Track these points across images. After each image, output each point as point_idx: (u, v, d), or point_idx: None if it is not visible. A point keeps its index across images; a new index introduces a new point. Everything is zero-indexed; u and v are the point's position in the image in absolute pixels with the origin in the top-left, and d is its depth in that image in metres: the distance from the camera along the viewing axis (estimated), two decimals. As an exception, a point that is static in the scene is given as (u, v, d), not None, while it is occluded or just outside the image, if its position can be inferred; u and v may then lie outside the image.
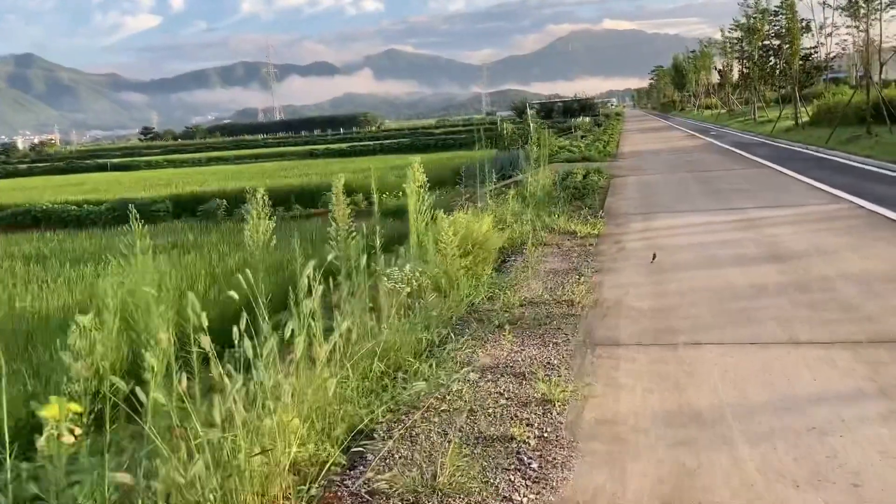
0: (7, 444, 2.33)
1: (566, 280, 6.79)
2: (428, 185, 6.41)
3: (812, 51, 36.42)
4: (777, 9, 35.78)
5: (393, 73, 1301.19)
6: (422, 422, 3.72)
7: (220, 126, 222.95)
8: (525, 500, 3.01)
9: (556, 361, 4.62)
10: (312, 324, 3.66)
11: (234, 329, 2.89)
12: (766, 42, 37.76)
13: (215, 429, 2.57)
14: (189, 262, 9.38)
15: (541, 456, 3.37)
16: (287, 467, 2.87)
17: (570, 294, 6.16)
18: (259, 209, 4.22)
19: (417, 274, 5.66)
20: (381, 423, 3.70)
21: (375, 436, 3.57)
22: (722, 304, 5.70)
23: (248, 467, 2.61)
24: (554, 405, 3.91)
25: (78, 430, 2.31)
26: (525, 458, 3.33)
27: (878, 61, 21.55)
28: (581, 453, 3.40)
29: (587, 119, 55.87)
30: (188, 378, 2.68)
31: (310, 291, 3.63)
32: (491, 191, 13.00)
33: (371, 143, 54.22)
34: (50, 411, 2.27)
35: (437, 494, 3.01)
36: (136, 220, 3.33)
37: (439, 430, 3.65)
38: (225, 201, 17.50)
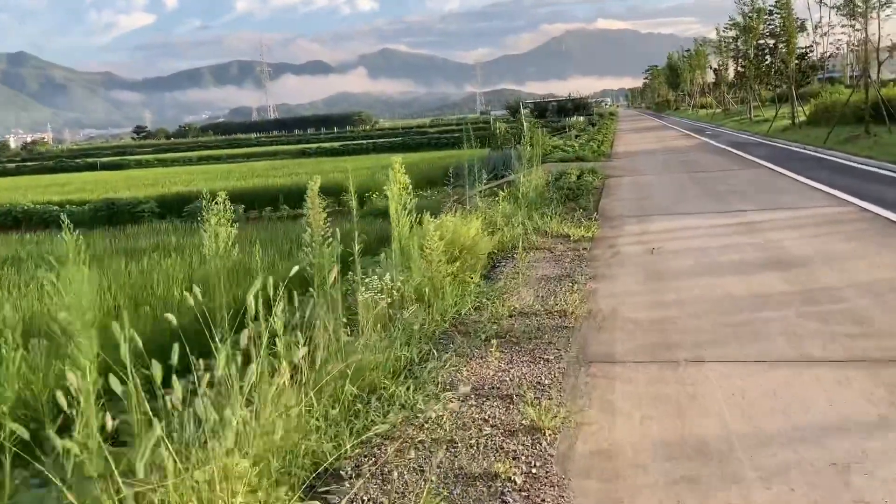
0: None
1: (559, 288, 6.41)
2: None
3: (807, 50, 36.20)
4: (772, 7, 35.52)
5: (387, 72, 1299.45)
6: (396, 456, 3.33)
7: (214, 125, 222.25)
8: (508, 553, 2.62)
9: (546, 381, 4.24)
10: (279, 343, 3.28)
11: (189, 352, 2.49)
12: (762, 41, 37.47)
13: (141, 480, 2.17)
14: (168, 266, 8.99)
15: (527, 497, 2.98)
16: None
17: (563, 304, 5.78)
18: (219, 214, 3.83)
19: (398, 283, 5.27)
20: (351, 457, 3.30)
21: (343, 473, 3.18)
22: (724, 315, 5.32)
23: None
24: (544, 434, 3.53)
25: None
26: (510, 501, 2.95)
27: (877, 60, 21.22)
28: (573, 493, 3.01)
29: (581, 118, 55.60)
30: (113, 417, 2.28)
31: (271, 308, 3.24)
32: (481, 192, 12.61)
33: (364, 142, 53.80)
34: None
35: (408, 547, 2.63)
36: (68, 227, 2.89)
37: (415, 466, 3.26)
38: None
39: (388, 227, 8.67)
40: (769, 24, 36.33)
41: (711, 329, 5.03)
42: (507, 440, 3.49)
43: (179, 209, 17.52)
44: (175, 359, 2.44)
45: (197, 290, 2.99)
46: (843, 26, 36.83)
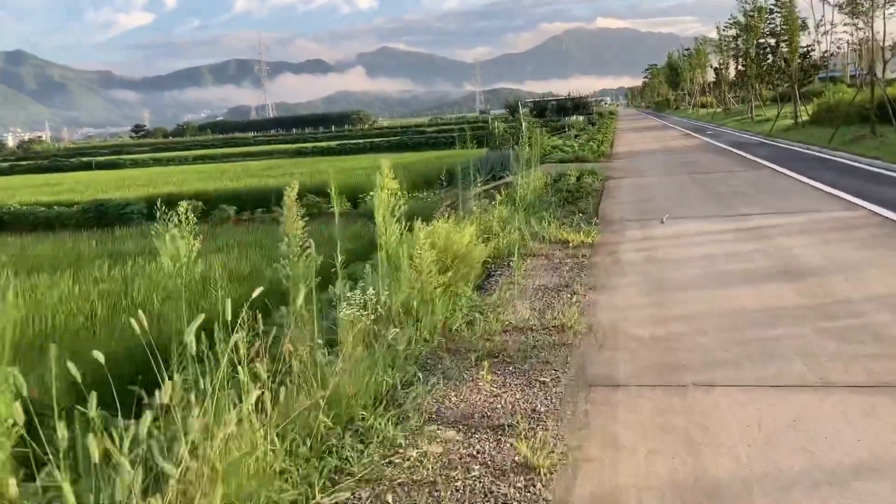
0: None
1: (556, 299, 6.03)
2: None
3: (808, 49, 35.78)
4: (773, 6, 35.12)
5: (386, 71, 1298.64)
6: (371, 502, 2.95)
7: (212, 124, 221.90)
8: None
9: (542, 408, 3.86)
10: (241, 373, 2.90)
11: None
12: (763, 40, 37.08)
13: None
14: (153, 270, 8.60)
15: (519, 555, 2.61)
16: None
17: (561, 317, 5.40)
18: (183, 224, 3.46)
19: (383, 297, 4.89)
20: (319, 504, 2.92)
21: (309, 523, 2.80)
22: (734, 332, 4.94)
23: None
24: (539, 473, 3.15)
25: None
26: (498, 561, 2.57)
27: (882, 59, 20.83)
28: (571, 550, 2.64)
29: (581, 118, 55.24)
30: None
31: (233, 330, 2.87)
32: (478, 195, 12.23)
33: (361, 141, 53.40)
34: None
35: None
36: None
37: (392, 514, 2.88)
38: (201, 203, 16.72)
39: (381, 232, 8.26)
40: (770, 23, 35.96)
41: (721, 348, 4.65)
42: (497, 481, 3.11)
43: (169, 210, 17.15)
44: (93, 410, 2.06)
45: (142, 316, 2.61)
46: (845, 24, 36.57)
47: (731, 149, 22.02)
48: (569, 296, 6.12)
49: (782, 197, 11.17)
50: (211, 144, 79.91)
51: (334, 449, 3.26)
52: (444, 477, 3.13)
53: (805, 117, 27.92)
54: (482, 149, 26.65)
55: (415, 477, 3.13)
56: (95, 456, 1.95)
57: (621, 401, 3.93)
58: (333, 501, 2.84)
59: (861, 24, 37.73)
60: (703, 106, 68.49)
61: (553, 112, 71.93)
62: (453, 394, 4.03)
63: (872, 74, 20.48)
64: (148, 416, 2.16)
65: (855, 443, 3.28)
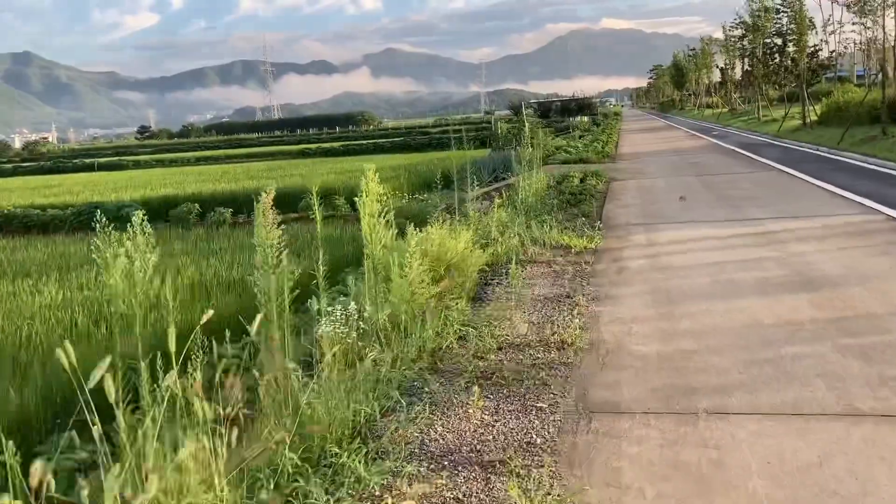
0: None
1: (557, 311, 5.65)
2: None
3: (815, 48, 35.29)
4: (780, 6, 34.65)
5: (392, 71, 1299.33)
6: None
7: (218, 125, 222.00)
8: None
9: (538, 440, 3.48)
10: (198, 405, 2.54)
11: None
12: (769, 40, 36.58)
13: None
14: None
15: None
16: None
17: (561, 332, 5.02)
18: (138, 234, 3.11)
19: (367, 312, 4.52)
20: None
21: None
22: (749, 350, 4.55)
23: None
24: (532, 521, 2.78)
25: None
26: None
27: (894, 58, 20.38)
28: None
29: (585, 118, 54.80)
30: None
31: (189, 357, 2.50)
32: (479, 196, 11.86)
33: (365, 142, 53.05)
34: None
35: None
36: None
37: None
38: (197, 206, 16.39)
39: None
40: (776, 23, 35.48)
41: (735, 368, 4.26)
42: (485, 531, 2.74)
43: (165, 213, 16.83)
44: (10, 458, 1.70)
45: (69, 348, 2.24)
46: (853, 24, 36.09)
47: (738, 150, 21.59)
48: (570, 307, 5.73)
49: (793, 200, 10.76)
50: (215, 146, 79.68)
51: (298, 493, 2.88)
52: (423, 527, 2.76)
53: (813, 118, 27.45)
54: (485, 150, 26.32)
55: (390, 526, 2.76)
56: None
57: (626, 431, 3.54)
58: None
59: (869, 24, 37.34)
60: (709, 106, 67.90)
61: (557, 112, 71.42)
62: (440, 423, 3.65)
63: (884, 74, 20.02)
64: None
65: (890, 484, 2.90)
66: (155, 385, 2.37)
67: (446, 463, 3.25)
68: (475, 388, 3.95)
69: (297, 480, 2.92)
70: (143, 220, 3.22)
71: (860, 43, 39.70)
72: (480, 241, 7.80)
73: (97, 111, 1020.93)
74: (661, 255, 7.61)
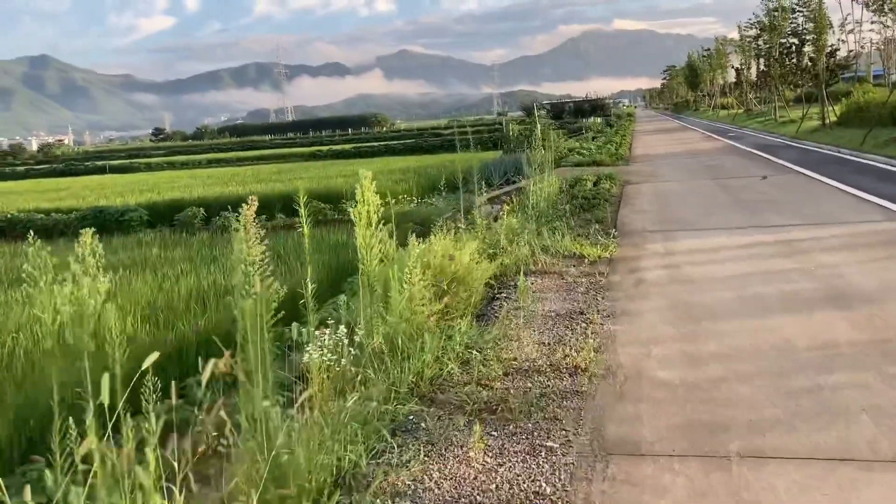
0: None
1: (569, 330, 5.22)
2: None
3: (833, 48, 34.57)
4: (795, 6, 33.95)
5: (404, 73, 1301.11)
6: None
7: (231, 127, 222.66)
8: None
9: (548, 489, 3.06)
10: (149, 454, 2.14)
11: None
12: (785, 39, 35.88)
13: None
14: (137, 287, 7.92)
15: None
16: None
17: (574, 356, 4.59)
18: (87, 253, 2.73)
19: (359, 335, 4.11)
20: None
21: None
22: (783, 378, 4.10)
23: None
24: None
25: None
26: None
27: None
28: None
29: (599, 119, 54.23)
30: None
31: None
32: (489, 200, 11.45)
33: (377, 144, 52.74)
34: None
35: None
36: None
37: None
38: (202, 210, 16.08)
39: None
40: (792, 23, 34.78)
41: (768, 400, 3.81)
42: None
43: (171, 217, 16.53)
44: None
45: None
46: (872, 22, 35.35)
47: (756, 152, 21.02)
48: (583, 325, 5.30)
49: (817, 205, 10.26)
50: (227, 148, 79.69)
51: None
52: None
53: (833, 118, 26.79)
54: (497, 152, 25.86)
55: None
56: None
57: (648, 478, 3.11)
58: None
59: (889, 22, 36.55)
60: (724, 107, 67.04)
61: (570, 114, 70.85)
62: (436, 468, 3.23)
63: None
64: None
65: (964, 556, 2.45)
66: (70, 446, 1.98)
67: (441, 519, 2.83)
68: (476, 427, 3.51)
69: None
70: (92, 237, 2.84)
71: (878, 42, 38.95)
72: (488, 250, 7.38)
73: (113, 113, 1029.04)
74: (681, 266, 7.16)
